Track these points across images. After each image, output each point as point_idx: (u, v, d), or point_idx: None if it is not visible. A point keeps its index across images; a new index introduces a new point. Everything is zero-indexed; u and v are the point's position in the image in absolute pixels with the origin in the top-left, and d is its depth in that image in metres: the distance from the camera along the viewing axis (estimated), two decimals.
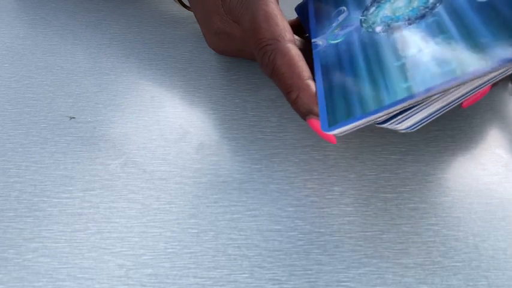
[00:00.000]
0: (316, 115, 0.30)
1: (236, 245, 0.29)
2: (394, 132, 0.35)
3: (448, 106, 0.30)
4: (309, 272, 0.28)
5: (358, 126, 0.29)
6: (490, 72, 0.26)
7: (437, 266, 0.28)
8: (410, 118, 0.29)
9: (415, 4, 0.32)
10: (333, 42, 0.34)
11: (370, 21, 0.33)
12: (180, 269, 0.28)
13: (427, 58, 0.29)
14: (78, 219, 0.30)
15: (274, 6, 0.34)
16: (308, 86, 0.31)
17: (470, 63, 0.27)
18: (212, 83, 0.38)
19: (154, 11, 0.46)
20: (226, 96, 0.37)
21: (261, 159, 0.33)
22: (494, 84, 0.33)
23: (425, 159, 0.33)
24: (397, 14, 0.33)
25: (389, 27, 0.32)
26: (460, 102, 0.30)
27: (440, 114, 0.30)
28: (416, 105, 0.29)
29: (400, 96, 0.28)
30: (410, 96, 0.27)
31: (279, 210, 0.30)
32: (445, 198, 0.31)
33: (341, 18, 0.35)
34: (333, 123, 0.29)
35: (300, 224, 0.30)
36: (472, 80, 0.26)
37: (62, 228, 0.30)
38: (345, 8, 0.36)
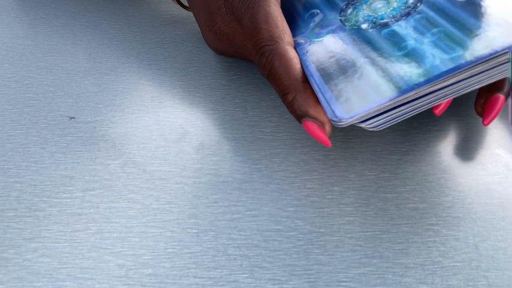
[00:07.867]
0: (312, 118, 0.30)
1: (236, 245, 0.29)
2: (392, 131, 0.35)
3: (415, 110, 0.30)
4: (309, 272, 0.28)
5: (374, 112, 0.29)
6: (496, 56, 0.28)
7: (437, 266, 0.28)
8: (379, 117, 0.29)
9: (395, 5, 0.33)
10: (317, 39, 0.34)
11: (353, 21, 0.34)
12: (180, 269, 0.28)
13: (429, 47, 0.30)
14: (78, 219, 0.30)
15: (276, 7, 0.34)
16: (305, 88, 0.31)
17: (477, 48, 0.28)
18: (212, 83, 0.38)
19: (154, 11, 0.46)
20: (226, 96, 0.37)
21: (261, 159, 0.33)
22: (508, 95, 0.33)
23: (425, 159, 0.33)
24: (379, 13, 0.33)
25: (375, 24, 0.33)
26: (428, 107, 0.30)
27: (407, 117, 0.30)
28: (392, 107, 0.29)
29: (416, 81, 0.28)
30: (428, 80, 0.28)
31: (279, 210, 0.30)
32: (445, 198, 0.31)
33: (317, 19, 0.36)
34: (349, 110, 0.29)
35: (300, 224, 0.30)
36: (482, 64, 0.28)
37: (62, 228, 0.30)
38: (318, 10, 0.36)
